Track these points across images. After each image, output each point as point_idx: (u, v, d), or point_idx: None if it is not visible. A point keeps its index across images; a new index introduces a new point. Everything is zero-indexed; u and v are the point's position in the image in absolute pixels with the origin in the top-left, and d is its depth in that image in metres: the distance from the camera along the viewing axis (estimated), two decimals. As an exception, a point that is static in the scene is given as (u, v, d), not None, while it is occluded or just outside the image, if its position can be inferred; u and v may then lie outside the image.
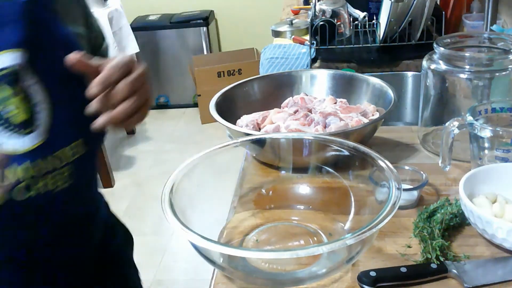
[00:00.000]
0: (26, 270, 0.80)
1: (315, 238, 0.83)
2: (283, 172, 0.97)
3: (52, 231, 0.79)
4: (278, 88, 1.27)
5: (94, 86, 0.67)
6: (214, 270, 0.79)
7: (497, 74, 1.04)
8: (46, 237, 0.79)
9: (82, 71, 0.68)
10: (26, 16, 0.69)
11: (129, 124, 0.71)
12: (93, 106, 0.68)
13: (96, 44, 0.90)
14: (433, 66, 1.08)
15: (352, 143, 0.85)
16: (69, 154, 0.75)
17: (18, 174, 0.70)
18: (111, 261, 0.98)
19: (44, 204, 0.74)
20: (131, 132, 3.61)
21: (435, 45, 1.07)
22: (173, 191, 0.76)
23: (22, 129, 0.70)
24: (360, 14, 1.90)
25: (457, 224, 0.84)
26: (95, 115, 0.68)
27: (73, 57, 0.67)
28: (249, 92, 1.25)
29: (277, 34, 2.16)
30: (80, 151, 0.76)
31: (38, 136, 0.71)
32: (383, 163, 0.79)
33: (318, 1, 1.87)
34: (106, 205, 1.00)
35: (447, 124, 0.95)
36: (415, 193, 0.91)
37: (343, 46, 1.81)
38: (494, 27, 1.63)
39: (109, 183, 2.97)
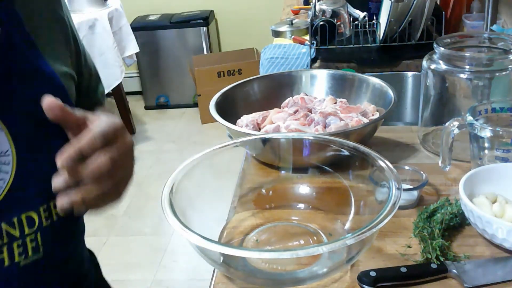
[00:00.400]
0: None
1: (315, 238, 0.83)
2: (283, 172, 0.97)
3: None
4: (278, 88, 1.27)
5: (64, 158, 0.54)
6: (214, 270, 0.79)
7: (497, 74, 1.04)
8: None
9: (59, 121, 0.56)
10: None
11: (101, 207, 0.60)
12: (58, 182, 0.55)
13: (89, 87, 0.80)
14: (433, 66, 1.08)
15: (352, 143, 0.85)
16: (38, 220, 0.61)
17: None
18: None
19: (8, 279, 0.60)
20: (131, 132, 3.61)
21: (435, 45, 1.07)
22: (173, 191, 0.76)
23: None
24: (360, 14, 1.90)
25: (457, 224, 0.84)
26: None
27: (49, 101, 0.54)
28: (249, 92, 1.25)
29: (277, 34, 2.16)
30: (53, 217, 0.63)
31: None
32: (383, 163, 0.79)
33: (318, 1, 1.87)
34: (96, 268, 0.85)
35: (447, 124, 0.95)
36: (415, 193, 0.91)
37: (343, 46, 1.81)
38: (494, 27, 1.63)
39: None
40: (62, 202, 0.55)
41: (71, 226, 0.70)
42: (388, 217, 0.67)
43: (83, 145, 0.54)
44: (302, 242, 0.84)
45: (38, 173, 0.61)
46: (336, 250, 0.66)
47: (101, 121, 0.57)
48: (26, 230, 0.60)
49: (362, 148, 0.84)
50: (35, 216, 0.61)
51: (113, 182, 0.57)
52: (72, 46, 0.74)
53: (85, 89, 0.78)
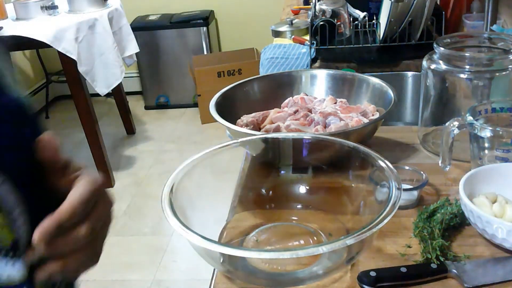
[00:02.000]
0: None
1: (315, 238, 0.83)
2: (283, 172, 0.97)
3: None
4: (278, 88, 1.27)
5: (42, 234, 0.49)
6: (214, 270, 0.79)
7: (497, 74, 1.04)
8: None
9: (47, 162, 0.52)
10: None
11: (80, 273, 0.56)
12: (33, 256, 0.51)
13: None
14: (433, 66, 1.08)
15: (352, 143, 0.85)
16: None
17: None
18: None
19: None
20: (131, 132, 3.61)
21: (435, 45, 1.07)
22: (173, 191, 0.76)
23: (11, 251, 0.52)
24: (360, 14, 1.90)
25: (457, 224, 0.84)
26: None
27: (48, 140, 0.51)
28: (249, 92, 1.25)
29: (277, 34, 2.16)
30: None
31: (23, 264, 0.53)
32: (383, 163, 0.79)
33: (318, 1, 1.87)
34: None
35: (447, 124, 0.95)
36: (415, 193, 0.91)
37: (343, 46, 1.81)
38: (494, 27, 1.63)
39: (109, 183, 2.97)
40: (39, 275, 0.52)
41: None
42: (388, 217, 0.67)
43: (63, 218, 0.50)
44: (302, 242, 0.84)
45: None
46: (336, 250, 0.66)
47: (82, 185, 0.53)
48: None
49: (362, 148, 0.84)
50: None
51: (93, 251, 0.55)
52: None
53: None
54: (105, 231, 0.57)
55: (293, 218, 0.89)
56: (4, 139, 0.51)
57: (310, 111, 1.13)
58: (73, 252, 0.52)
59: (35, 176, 0.53)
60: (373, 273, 0.73)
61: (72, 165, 0.55)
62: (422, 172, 0.94)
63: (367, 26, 1.83)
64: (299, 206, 0.91)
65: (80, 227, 0.52)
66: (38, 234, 0.49)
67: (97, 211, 0.54)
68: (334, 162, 0.90)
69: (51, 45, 2.57)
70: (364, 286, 0.73)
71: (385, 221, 0.66)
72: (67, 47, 2.63)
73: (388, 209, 0.68)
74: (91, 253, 0.54)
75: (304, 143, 0.91)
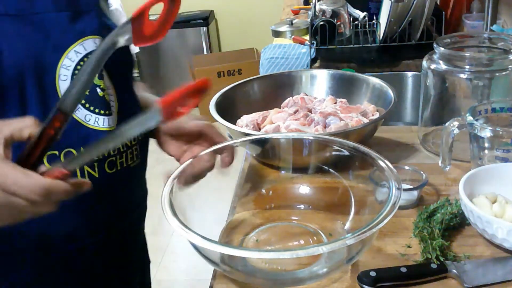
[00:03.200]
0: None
1: (315, 238, 0.83)
2: (283, 172, 0.97)
3: (124, 207, 0.87)
4: (278, 88, 1.27)
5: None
6: (214, 270, 0.79)
7: (497, 74, 1.04)
8: (119, 212, 0.86)
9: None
10: (98, 6, 0.78)
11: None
12: None
13: None
14: (433, 66, 1.08)
15: (352, 143, 0.85)
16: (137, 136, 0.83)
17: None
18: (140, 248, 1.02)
19: (124, 179, 0.82)
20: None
21: (435, 45, 1.07)
22: (173, 191, 0.76)
23: (104, 110, 0.77)
24: (360, 14, 1.90)
25: (457, 224, 0.84)
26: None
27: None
28: (249, 92, 1.25)
29: (277, 34, 2.17)
30: (142, 136, 0.86)
31: (114, 119, 0.78)
32: (383, 163, 0.79)
33: (318, 1, 1.87)
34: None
35: (447, 124, 0.95)
36: (415, 193, 0.91)
37: (343, 46, 1.81)
38: (494, 27, 1.63)
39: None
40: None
41: (147, 143, 0.92)
42: (388, 217, 0.67)
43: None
44: (302, 242, 0.84)
45: (129, 100, 0.83)
46: (336, 250, 0.66)
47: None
48: (133, 142, 0.83)
49: (362, 148, 0.84)
50: None
51: None
52: None
53: None
54: None
55: (293, 218, 0.89)
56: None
57: (310, 111, 1.13)
58: None
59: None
60: (373, 273, 0.73)
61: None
62: (422, 172, 0.94)
63: (367, 26, 1.83)
64: (299, 206, 0.91)
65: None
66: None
67: None
68: (334, 162, 0.89)
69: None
70: (364, 286, 0.73)
71: (385, 221, 0.66)
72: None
73: (388, 209, 0.68)
74: None
75: (304, 143, 0.91)
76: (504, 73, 1.03)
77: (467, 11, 1.94)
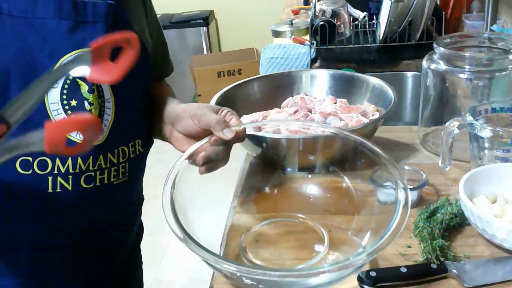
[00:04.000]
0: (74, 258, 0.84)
1: (316, 238, 0.83)
2: (283, 172, 0.97)
3: (107, 219, 0.86)
4: (278, 88, 1.27)
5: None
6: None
7: (497, 74, 1.04)
8: (103, 223, 0.85)
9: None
10: (110, 16, 0.77)
11: None
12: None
13: (157, 55, 0.97)
14: (433, 66, 1.08)
15: (358, 138, 0.82)
16: (128, 153, 0.82)
17: (84, 165, 0.76)
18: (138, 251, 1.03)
19: (104, 194, 0.81)
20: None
21: (435, 45, 1.07)
22: (174, 190, 0.76)
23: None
24: (360, 14, 1.90)
25: (457, 224, 0.84)
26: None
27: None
28: (249, 92, 1.25)
29: (277, 34, 2.16)
30: (138, 150, 0.85)
31: (103, 133, 0.78)
32: (387, 161, 0.78)
33: (318, 1, 1.87)
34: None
35: (447, 124, 0.95)
36: (415, 193, 0.91)
37: (343, 46, 1.81)
38: (494, 27, 1.63)
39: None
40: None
41: (143, 161, 0.91)
42: (394, 238, 0.64)
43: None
44: (302, 242, 0.84)
45: (128, 117, 0.81)
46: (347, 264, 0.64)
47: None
48: (121, 159, 0.81)
49: (369, 145, 0.81)
50: (126, 150, 0.82)
51: None
52: (148, 18, 0.94)
53: (155, 55, 0.95)
54: None
55: (294, 217, 0.89)
56: None
57: (310, 111, 1.13)
58: None
59: None
60: (373, 273, 0.73)
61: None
62: (422, 172, 0.94)
63: (367, 26, 1.83)
64: (299, 206, 0.91)
65: None
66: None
67: None
68: (334, 161, 0.89)
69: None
70: (364, 286, 0.73)
71: (394, 239, 0.64)
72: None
73: (394, 228, 0.65)
74: None
75: (305, 142, 0.91)
76: (504, 73, 1.03)
77: (467, 11, 1.94)
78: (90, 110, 0.75)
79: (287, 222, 0.88)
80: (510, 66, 1.02)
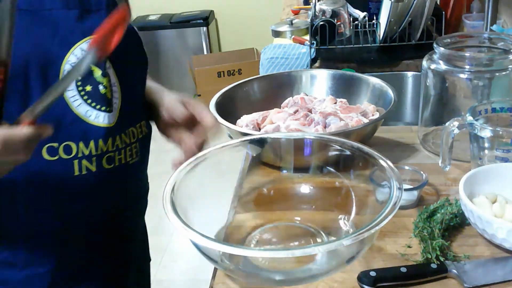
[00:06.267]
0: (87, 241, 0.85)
1: (316, 238, 0.83)
2: (283, 172, 0.97)
3: (122, 202, 0.89)
4: (278, 88, 1.27)
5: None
6: (214, 270, 0.79)
7: (497, 74, 1.04)
8: (116, 207, 0.87)
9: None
10: (109, 5, 0.80)
11: None
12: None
13: None
14: (433, 66, 1.08)
15: (354, 143, 0.84)
16: (137, 133, 0.86)
17: (105, 146, 0.79)
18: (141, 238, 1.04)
19: (122, 174, 0.84)
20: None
21: (435, 45, 1.07)
22: (174, 191, 0.76)
23: (105, 107, 0.79)
24: (360, 14, 1.90)
25: (457, 224, 0.84)
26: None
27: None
28: (249, 92, 1.25)
29: (277, 34, 2.16)
30: (144, 131, 0.89)
31: (114, 116, 0.80)
32: (385, 162, 0.78)
33: (318, 1, 1.87)
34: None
35: (447, 124, 0.95)
36: (415, 193, 0.91)
37: (343, 46, 1.81)
38: (494, 27, 1.63)
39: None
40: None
41: (148, 141, 0.94)
42: (388, 218, 0.67)
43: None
44: (302, 242, 0.84)
45: (133, 99, 0.86)
46: (335, 250, 0.66)
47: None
48: (132, 139, 0.85)
49: (364, 147, 0.83)
50: (135, 131, 0.86)
51: None
52: None
53: None
54: None
55: (294, 218, 0.89)
56: None
57: (310, 111, 1.13)
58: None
59: None
60: (373, 273, 0.73)
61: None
62: (422, 172, 0.94)
63: (367, 26, 1.83)
64: (299, 206, 0.91)
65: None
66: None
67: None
68: (335, 162, 0.89)
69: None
70: (364, 286, 0.73)
71: (384, 222, 0.66)
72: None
73: (388, 209, 0.68)
74: None
75: (305, 143, 0.91)
76: (504, 73, 1.03)
77: (467, 11, 1.94)
78: (105, 93, 0.78)
79: (288, 226, 0.88)
80: (510, 66, 1.02)
